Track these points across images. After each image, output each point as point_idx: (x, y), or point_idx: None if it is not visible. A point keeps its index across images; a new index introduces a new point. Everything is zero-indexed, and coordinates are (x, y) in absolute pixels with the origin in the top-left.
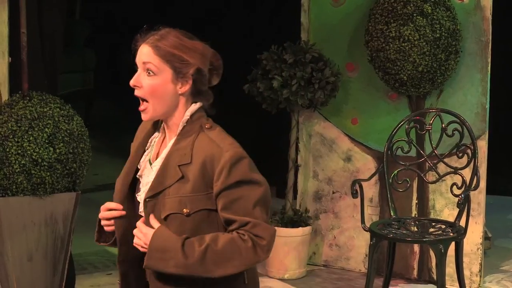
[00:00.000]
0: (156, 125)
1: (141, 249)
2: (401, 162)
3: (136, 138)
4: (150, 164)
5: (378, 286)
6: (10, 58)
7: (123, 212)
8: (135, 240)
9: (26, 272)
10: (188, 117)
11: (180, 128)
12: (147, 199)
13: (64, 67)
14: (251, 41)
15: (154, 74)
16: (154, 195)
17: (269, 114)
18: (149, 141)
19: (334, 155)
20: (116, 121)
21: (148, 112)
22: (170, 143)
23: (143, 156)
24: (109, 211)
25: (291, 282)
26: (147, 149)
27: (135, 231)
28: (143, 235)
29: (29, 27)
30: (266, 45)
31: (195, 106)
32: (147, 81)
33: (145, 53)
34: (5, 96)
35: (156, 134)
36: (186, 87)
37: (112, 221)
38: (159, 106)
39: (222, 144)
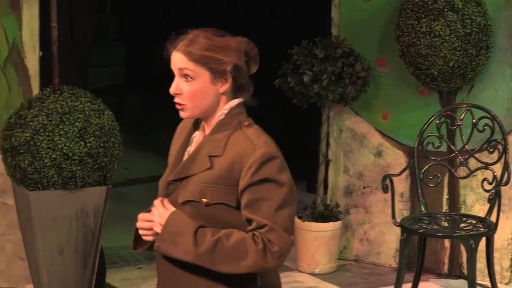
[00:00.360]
0: (197, 124)
1: (156, 229)
2: (431, 157)
3: (175, 140)
4: None
5: (408, 281)
6: (41, 52)
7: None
8: (154, 219)
9: (57, 266)
10: (227, 111)
11: (217, 120)
12: (170, 182)
13: (94, 61)
14: (282, 36)
15: (192, 79)
16: (178, 179)
17: (300, 109)
18: (191, 139)
19: (365, 150)
20: (147, 115)
21: (186, 111)
22: None
23: (185, 155)
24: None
25: (321, 276)
26: (188, 147)
27: (152, 210)
28: (159, 215)
29: (60, 21)
30: (297, 40)
31: (234, 102)
32: (186, 87)
33: (178, 60)
34: (36, 90)
35: (196, 132)
36: (227, 85)
37: (150, 231)
38: (197, 107)
39: (256, 141)
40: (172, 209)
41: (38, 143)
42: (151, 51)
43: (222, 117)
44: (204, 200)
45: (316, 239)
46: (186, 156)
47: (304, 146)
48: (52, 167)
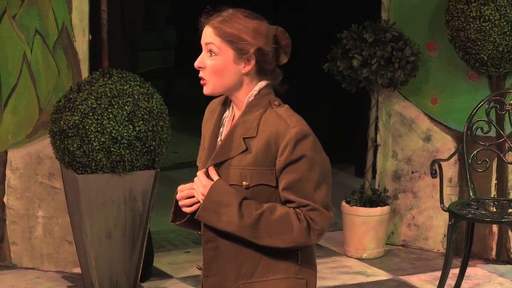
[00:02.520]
0: (225, 104)
1: (197, 197)
2: (480, 142)
3: (206, 121)
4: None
5: (456, 266)
6: (90, 36)
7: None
8: (195, 188)
9: (104, 249)
10: (256, 92)
11: (246, 102)
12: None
13: (144, 44)
14: (331, 20)
15: (215, 55)
16: (218, 164)
17: (349, 93)
18: (222, 120)
19: (413, 135)
20: (197, 99)
21: (208, 86)
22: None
23: (219, 136)
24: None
25: (369, 261)
26: (220, 128)
27: (195, 180)
28: (202, 185)
29: (110, 5)
30: (346, 24)
31: (262, 83)
32: (209, 61)
33: (207, 35)
34: (85, 74)
35: (226, 113)
36: (249, 67)
37: (190, 201)
38: (218, 84)
39: (289, 120)
40: (216, 177)
41: (87, 127)
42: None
43: (252, 98)
44: (244, 183)
45: (364, 224)
46: (219, 139)
47: (353, 131)
48: (101, 151)
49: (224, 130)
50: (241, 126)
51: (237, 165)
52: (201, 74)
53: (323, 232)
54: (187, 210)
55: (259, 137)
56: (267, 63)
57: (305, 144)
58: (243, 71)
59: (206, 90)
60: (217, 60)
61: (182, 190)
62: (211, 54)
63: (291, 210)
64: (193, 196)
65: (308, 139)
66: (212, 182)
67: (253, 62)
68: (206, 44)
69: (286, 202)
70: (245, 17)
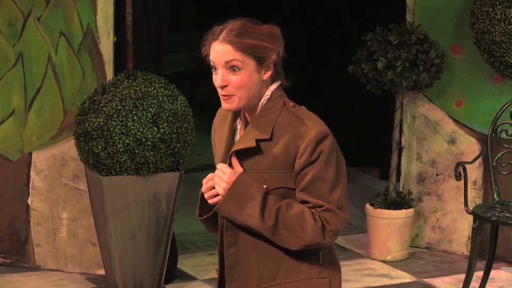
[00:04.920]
0: (236, 112)
1: (217, 189)
2: (505, 145)
3: (217, 127)
4: None
5: (480, 269)
6: (115, 38)
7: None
8: (216, 179)
9: (128, 251)
10: (268, 96)
11: (260, 106)
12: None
13: (169, 47)
14: (356, 22)
15: (239, 69)
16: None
17: (374, 95)
18: (234, 127)
19: (438, 137)
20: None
21: (233, 102)
22: None
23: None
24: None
25: (393, 264)
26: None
27: (218, 168)
28: (227, 175)
29: (135, 7)
30: (371, 26)
31: (273, 86)
32: (233, 78)
33: (225, 52)
34: (110, 75)
35: (238, 120)
36: (269, 72)
37: (214, 191)
38: (245, 97)
39: (308, 121)
40: (240, 169)
41: (112, 128)
42: None
43: (265, 102)
44: (264, 186)
45: (388, 227)
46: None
47: (377, 133)
48: (125, 153)
49: (237, 137)
50: (254, 128)
51: (255, 169)
52: (224, 92)
53: (337, 233)
54: (214, 200)
55: (275, 140)
56: (280, 65)
57: (324, 145)
58: (263, 78)
59: (231, 106)
60: (241, 75)
61: (207, 182)
62: (234, 70)
63: (306, 208)
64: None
65: (328, 139)
66: (238, 173)
67: (272, 67)
68: (227, 62)
69: (302, 203)
70: (256, 25)
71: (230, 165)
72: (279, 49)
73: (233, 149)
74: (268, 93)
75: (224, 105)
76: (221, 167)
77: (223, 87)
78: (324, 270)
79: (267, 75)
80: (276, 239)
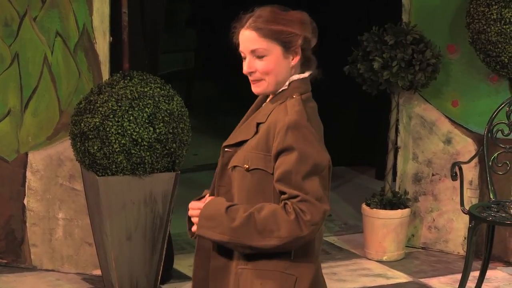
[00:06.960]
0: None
1: (194, 220)
2: (501, 145)
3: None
4: None
5: (476, 269)
6: (111, 38)
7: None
8: (191, 212)
9: (124, 251)
10: (286, 86)
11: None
12: (224, 148)
13: (165, 47)
14: (352, 22)
15: (265, 56)
16: (230, 145)
17: (369, 95)
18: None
19: (434, 137)
20: (217, 101)
21: (261, 86)
22: None
23: None
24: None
25: (389, 264)
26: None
27: (189, 206)
28: (197, 208)
29: (131, 7)
30: (367, 26)
31: (295, 77)
32: (260, 64)
33: (251, 39)
34: (105, 76)
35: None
36: (297, 58)
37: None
38: (272, 83)
39: (290, 110)
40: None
41: (108, 129)
42: (222, 37)
43: (279, 91)
44: (245, 165)
45: (384, 227)
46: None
47: (373, 133)
48: (121, 153)
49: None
50: (260, 113)
51: (245, 148)
52: (253, 77)
53: (315, 224)
54: (193, 229)
55: (265, 123)
56: (308, 51)
57: (296, 134)
58: (292, 64)
59: (258, 89)
60: (268, 61)
61: (193, 208)
62: (260, 57)
63: (279, 206)
64: None
65: (300, 130)
66: (207, 201)
67: (299, 52)
68: (252, 51)
69: (281, 193)
70: (284, 11)
71: (233, 147)
72: (306, 34)
73: (226, 143)
74: (287, 83)
75: (253, 89)
76: (191, 205)
77: (250, 73)
78: (293, 267)
79: (295, 60)
80: (256, 245)
